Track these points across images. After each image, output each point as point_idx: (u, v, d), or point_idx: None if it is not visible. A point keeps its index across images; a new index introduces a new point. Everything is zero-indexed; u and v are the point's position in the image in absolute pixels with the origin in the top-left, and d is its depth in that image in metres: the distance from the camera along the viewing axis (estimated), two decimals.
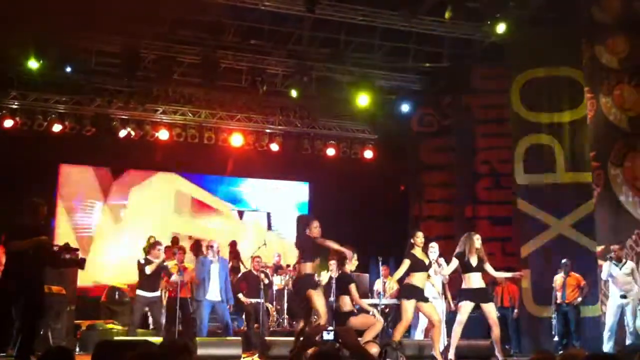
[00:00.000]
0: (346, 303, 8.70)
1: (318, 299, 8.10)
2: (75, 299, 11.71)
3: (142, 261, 10.65)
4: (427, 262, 9.16)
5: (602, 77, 10.67)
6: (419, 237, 9.06)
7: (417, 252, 9.03)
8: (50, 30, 12.02)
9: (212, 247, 10.85)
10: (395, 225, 15.83)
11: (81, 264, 8.64)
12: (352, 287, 8.83)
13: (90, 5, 11.17)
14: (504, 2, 12.04)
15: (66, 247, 9.42)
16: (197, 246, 14.02)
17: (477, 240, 9.12)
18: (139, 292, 10.60)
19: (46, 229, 7.95)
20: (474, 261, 9.05)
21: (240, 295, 11.78)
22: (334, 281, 9.85)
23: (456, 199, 14.64)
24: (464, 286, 9.16)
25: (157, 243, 11.14)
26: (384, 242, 13.92)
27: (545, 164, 12.63)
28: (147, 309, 10.84)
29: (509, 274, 10.35)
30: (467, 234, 9.34)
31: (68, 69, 13.28)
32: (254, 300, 11.61)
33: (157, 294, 10.88)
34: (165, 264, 11.59)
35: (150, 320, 12.63)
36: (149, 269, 10.57)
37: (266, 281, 11.99)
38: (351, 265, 9.14)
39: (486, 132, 14.31)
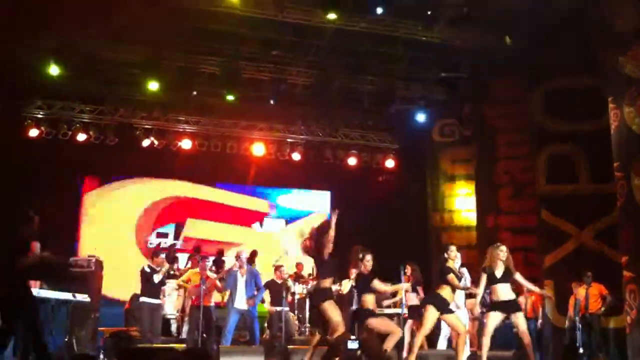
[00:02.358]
0: (368, 302, 8.64)
1: (332, 310, 8.11)
2: (100, 306, 11.82)
3: (148, 270, 10.75)
4: (459, 276, 9.25)
5: (625, 87, 10.60)
6: (453, 251, 9.18)
7: (451, 265, 9.10)
8: (74, 40, 12.22)
9: (239, 257, 10.99)
10: (417, 235, 15.83)
11: (87, 280, 8.75)
12: (376, 282, 8.70)
13: (114, 16, 11.34)
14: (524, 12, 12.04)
15: (73, 262, 9.75)
16: (220, 256, 14.11)
17: (502, 252, 9.05)
18: (144, 299, 10.66)
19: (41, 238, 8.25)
20: (498, 273, 8.99)
21: (265, 304, 11.87)
22: (355, 291, 9.87)
23: (477, 209, 14.61)
24: (493, 298, 9.12)
25: (160, 250, 11.24)
26: (405, 252, 13.88)
27: (568, 174, 12.58)
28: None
29: (537, 289, 10.14)
30: (492, 246, 9.30)
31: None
32: (278, 309, 11.68)
33: (160, 301, 11.01)
34: (171, 272, 11.71)
35: (173, 327, 12.76)
36: (157, 278, 10.66)
37: (292, 290, 12.09)
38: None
39: (507, 142, 14.27)
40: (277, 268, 12.30)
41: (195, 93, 14.05)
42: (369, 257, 8.69)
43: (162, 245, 15.44)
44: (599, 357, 10.76)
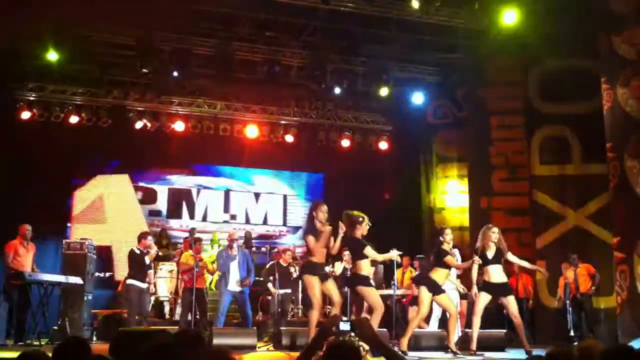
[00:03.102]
0: (362, 267, 8.52)
1: (311, 285, 8.17)
2: (93, 289, 11.84)
3: (138, 251, 10.74)
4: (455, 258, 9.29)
5: (619, 68, 10.58)
6: (448, 235, 9.20)
7: (447, 248, 9.12)
8: (67, 22, 12.13)
9: (237, 240, 11.04)
10: (410, 216, 15.84)
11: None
12: (368, 249, 8.57)
13: None
14: None
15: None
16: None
17: (494, 233, 9.11)
18: (132, 282, 10.67)
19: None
20: (490, 254, 9.06)
21: (270, 286, 11.89)
22: (348, 272, 9.86)
23: (470, 190, 14.62)
24: (484, 279, 9.18)
25: (147, 233, 11.27)
26: (398, 234, 13.91)
27: (561, 156, 12.62)
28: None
29: (532, 266, 10.27)
30: (485, 227, 9.34)
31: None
32: (281, 291, 11.74)
33: (147, 284, 11.01)
34: (160, 253, 11.73)
35: (166, 310, 12.80)
36: (148, 259, 10.68)
37: (295, 274, 12.12)
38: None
39: (501, 124, 14.26)
40: (283, 251, 12.36)
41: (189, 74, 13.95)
42: (364, 221, 8.59)
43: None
44: (590, 337, 10.83)
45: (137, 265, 10.69)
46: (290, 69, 14.26)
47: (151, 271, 11.36)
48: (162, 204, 16.25)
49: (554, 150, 12.73)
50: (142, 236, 11.04)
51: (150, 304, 11.63)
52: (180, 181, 16.50)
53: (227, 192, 16.76)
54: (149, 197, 16.16)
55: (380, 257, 9.15)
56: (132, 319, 10.54)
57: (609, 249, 10.81)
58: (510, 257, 9.27)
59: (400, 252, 9.71)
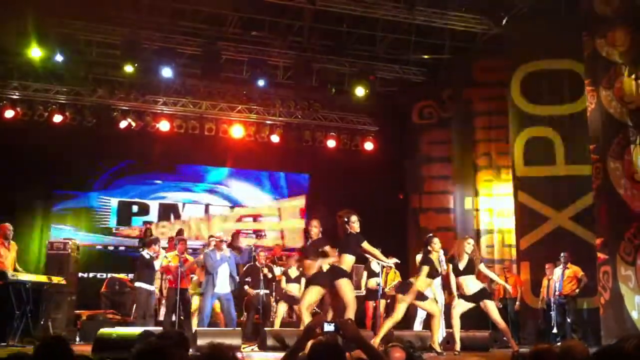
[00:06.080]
0: (345, 262, 8.34)
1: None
2: (76, 289, 11.76)
3: (147, 256, 10.82)
4: (439, 270, 9.16)
5: (602, 70, 10.66)
6: (437, 244, 9.09)
7: (434, 257, 9.05)
8: (51, 20, 12.06)
9: (224, 241, 11.02)
10: (395, 217, 15.84)
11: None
12: (366, 243, 8.45)
13: None
14: None
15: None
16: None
17: (468, 245, 9.18)
18: (141, 284, 10.73)
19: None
20: (462, 265, 9.13)
21: (246, 287, 11.88)
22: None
23: (456, 191, 14.65)
24: (459, 291, 9.23)
25: (157, 239, 11.33)
26: (383, 233, 13.87)
27: (545, 157, 12.68)
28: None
29: (500, 281, 10.65)
30: (461, 238, 9.45)
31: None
32: (255, 292, 11.72)
33: (154, 287, 11.13)
34: (170, 260, 11.79)
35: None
36: (157, 264, 10.76)
37: (269, 275, 12.11)
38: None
39: (486, 125, 14.31)
40: (257, 253, 12.36)
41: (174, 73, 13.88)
42: (354, 218, 8.42)
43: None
44: (573, 338, 10.88)
45: (146, 269, 10.81)
46: (276, 68, 14.26)
47: (157, 275, 11.47)
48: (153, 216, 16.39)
49: (539, 151, 12.77)
50: (152, 242, 11.19)
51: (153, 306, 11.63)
52: (170, 197, 16.53)
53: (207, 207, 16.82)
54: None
55: (378, 253, 8.93)
56: (139, 320, 10.57)
57: (592, 250, 10.87)
58: (482, 268, 9.37)
59: (398, 261, 9.72)
